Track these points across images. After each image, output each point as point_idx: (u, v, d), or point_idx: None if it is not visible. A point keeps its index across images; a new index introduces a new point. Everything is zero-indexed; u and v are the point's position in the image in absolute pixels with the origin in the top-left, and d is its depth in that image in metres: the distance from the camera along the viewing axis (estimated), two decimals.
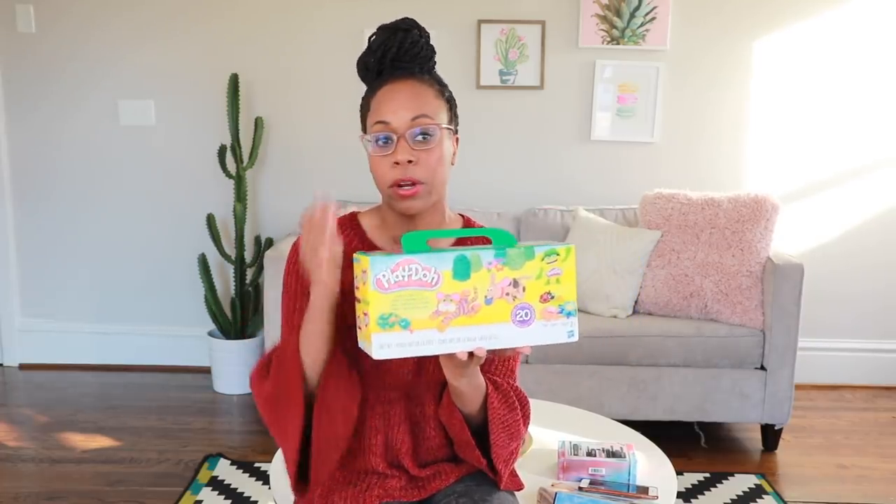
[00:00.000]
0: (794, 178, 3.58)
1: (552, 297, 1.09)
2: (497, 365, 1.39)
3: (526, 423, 1.37)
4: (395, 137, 1.27)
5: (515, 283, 1.08)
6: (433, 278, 1.05)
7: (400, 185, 1.26)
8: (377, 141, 1.28)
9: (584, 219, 3.26)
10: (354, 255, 1.11)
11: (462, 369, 1.19)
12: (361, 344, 1.12)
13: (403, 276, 1.04)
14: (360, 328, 1.12)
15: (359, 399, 1.29)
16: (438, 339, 1.06)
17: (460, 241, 1.39)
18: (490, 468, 1.36)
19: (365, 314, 1.07)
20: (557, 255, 1.09)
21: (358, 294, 1.10)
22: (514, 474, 1.44)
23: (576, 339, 1.11)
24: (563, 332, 1.11)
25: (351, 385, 1.27)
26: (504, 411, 1.33)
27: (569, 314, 1.10)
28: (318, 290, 1.20)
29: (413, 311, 1.05)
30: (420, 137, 1.27)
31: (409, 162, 1.26)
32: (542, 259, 1.08)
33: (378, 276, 1.03)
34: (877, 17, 3.46)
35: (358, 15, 3.48)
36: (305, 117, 3.59)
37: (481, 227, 1.43)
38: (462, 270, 1.05)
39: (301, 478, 1.32)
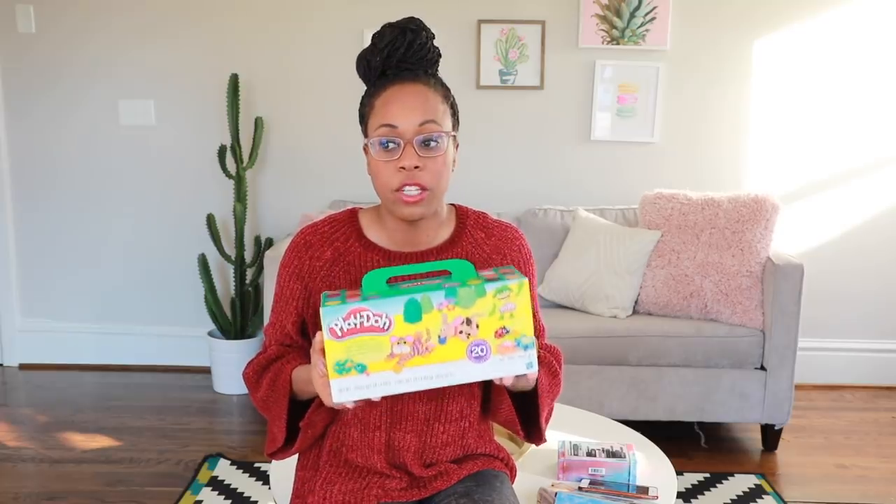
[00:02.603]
0: (794, 178, 3.58)
1: (507, 332, 1.10)
2: None
3: (562, 373, 1.42)
4: (401, 142, 1.25)
5: (468, 322, 1.09)
6: (385, 323, 1.07)
7: (405, 190, 1.25)
8: (382, 144, 1.26)
9: (584, 219, 3.26)
10: (321, 296, 1.14)
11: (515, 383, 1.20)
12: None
13: (356, 324, 1.07)
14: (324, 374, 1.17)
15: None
16: (395, 379, 1.09)
17: (455, 239, 1.39)
18: (528, 431, 1.40)
19: (322, 360, 1.11)
20: (510, 290, 1.09)
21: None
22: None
23: (535, 370, 1.12)
24: (521, 364, 1.11)
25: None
26: (548, 381, 1.36)
27: (525, 347, 1.11)
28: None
29: (368, 356, 1.07)
30: (427, 144, 1.26)
31: (416, 168, 1.25)
32: (494, 296, 1.09)
33: (331, 326, 1.06)
34: (877, 18, 3.46)
35: (358, 15, 3.48)
36: (305, 117, 3.59)
37: (474, 215, 1.44)
38: (413, 313, 1.07)
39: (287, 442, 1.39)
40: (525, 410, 1.38)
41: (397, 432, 1.36)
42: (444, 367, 1.09)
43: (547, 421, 1.40)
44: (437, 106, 1.28)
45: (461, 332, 1.08)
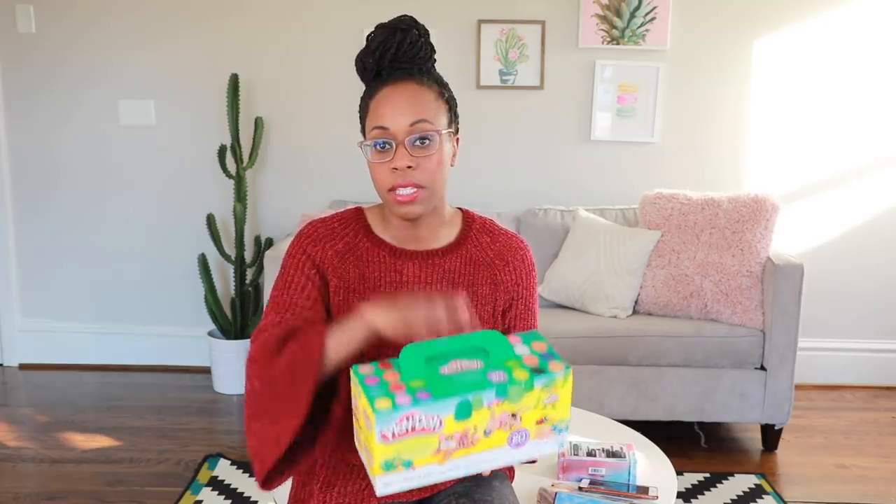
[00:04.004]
0: (794, 178, 3.58)
1: (546, 420, 1.12)
2: (516, 323, 1.43)
3: None
4: (393, 143, 1.26)
5: (514, 416, 1.10)
6: (436, 424, 1.06)
7: (398, 191, 1.26)
8: (376, 146, 1.27)
9: (584, 219, 3.26)
10: (354, 378, 1.10)
11: None
12: (359, 450, 1.13)
13: (407, 427, 1.05)
14: (358, 440, 1.13)
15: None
16: (438, 470, 1.09)
17: (461, 240, 1.39)
18: None
19: (367, 450, 1.09)
20: (556, 383, 1.10)
21: (356, 411, 1.11)
22: None
23: (564, 448, 1.17)
24: (553, 445, 1.14)
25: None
26: None
27: (560, 431, 1.13)
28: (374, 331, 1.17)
29: (416, 454, 1.07)
30: (419, 143, 1.26)
31: (409, 167, 1.26)
32: (542, 390, 1.10)
33: (383, 431, 1.04)
34: (877, 18, 3.46)
35: (358, 15, 3.48)
36: (305, 117, 3.59)
37: (481, 220, 1.44)
38: (464, 412, 1.07)
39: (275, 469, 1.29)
40: None
41: None
42: (486, 454, 1.10)
43: None
44: (429, 104, 1.28)
45: (505, 424, 1.10)
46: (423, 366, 1.09)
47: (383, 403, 1.04)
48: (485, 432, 1.08)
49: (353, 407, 1.12)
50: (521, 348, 1.15)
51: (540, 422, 1.11)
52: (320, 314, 1.33)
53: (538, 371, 1.10)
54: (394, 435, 1.04)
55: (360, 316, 1.18)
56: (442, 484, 1.37)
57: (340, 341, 1.20)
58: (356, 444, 1.16)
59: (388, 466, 1.06)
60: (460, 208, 1.46)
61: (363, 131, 1.33)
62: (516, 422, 1.10)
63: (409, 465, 1.06)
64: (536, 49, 3.50)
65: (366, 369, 1.11)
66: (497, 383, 1.07)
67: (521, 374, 1.09)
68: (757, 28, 3.49)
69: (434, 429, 1.06)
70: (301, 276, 1.34)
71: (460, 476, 1.10)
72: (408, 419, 1.04)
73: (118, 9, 3.51)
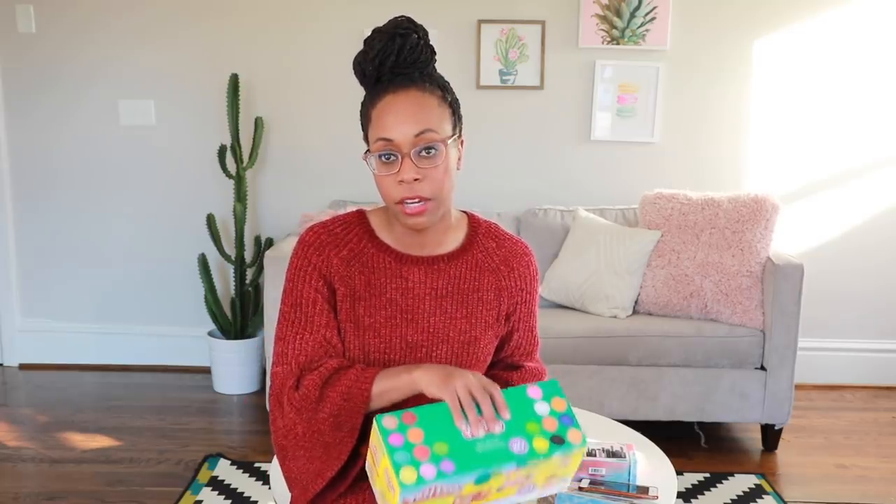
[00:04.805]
0: (794, 178, 3.58)
1: (555, 476, 1.17)
2: (516, 349, 1.45)
3: None
4: (399, 155, 1.24)
5: (528, 477, 1.14)
6: (456, 490, 1.10)
7: (406, 203, 1.25)
8: (381, 158, 1.25)
9: (584, 219, 3.26)
10: (375, 422, 1.11)
11: None
12: (373, 485, 1.15)
13: (429, 494, 1.08)
14: (372, 478, 1.15)
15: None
16: None
17: (467, 246, 1.39)
18: None
19: (384, 499, 1.12)
20: (573, 455, 1.14)
21: (374, 457, 1.13)
22: None
23: (566, 488, 1.25)
24: (557, 488, 1.21)
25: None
26: None
27: (564, 480, 1.20)
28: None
29: None
30: (425, 153, 1.24)
31: (415, 180, 1.23)
32: (558, 459, 1.14)
33: (405, 499, 1.07)
34: (877, 18, 3.46)
35: (358, 15, 3.48)
36: (305, 117, 3.59)
37: (486, 224, 1.42)
38: (483, 479, 1.10)
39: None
40: None
41: None
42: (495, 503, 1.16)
43: None
44: (432, 111, 1.25)
45: (518, 483, 1.14)
46: (448, 427, 1.11)
47: (409, 476, 1.06)
48: (498, 489, 1.13)
49: (371, 451, 1.13)
50: (541, 406, 1.16)
51: (549, 478, 1.16)
52: (336, 330, 1.32)
53: (558, 441, 1.13)
54: (415, 500, 1.07)
55: (409, 374, 1.18)
56: None
57: (386, 395, 1.22)
58: (369, 476, 1.17)
59: None
60: (465, 212, 1.44)
61: (366, 139, 1.30)
62: (528, 481, 1.14)
63: None
64: (536, 49, 3.50)
65: (389, 423, 1.10)
66: (518, 455, 1.10)
67: (541, 445, 1.12)
68: (757, 28, 3.49)
69: (453, 492, 1.10)
70: (309, 288, 1.31)
71: None
72: (431, 489, 1.07)
73: (118, 9, 3.51)
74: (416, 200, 1.25)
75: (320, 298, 1.31)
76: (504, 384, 1.40)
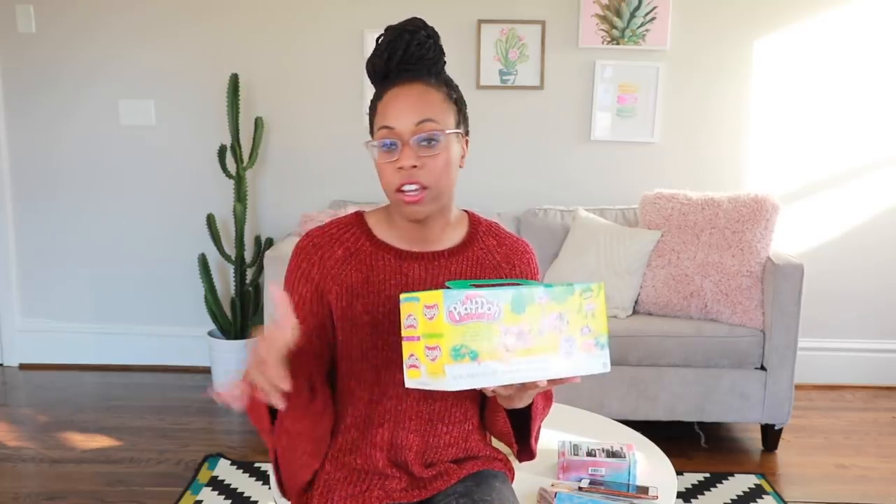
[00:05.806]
0: (794, 178, 3.58)
1: (589, 331, 1.20)
2: None
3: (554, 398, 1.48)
4: (399, 143, 1.26)
5: (561, 317, 1.17)
6: (496, 312, 1.12)
7: (404, 190, 1.26)
8: (382, 146, 1.27)
9: (584, 219, 3.26)
10: (408, 295, 1.14)
11: (525, 393, 1.23)
12: (414, 382, 1.16)
13: (471, 309, 1.10)
14: (413, 366, 1.15)
15: (325, 441, 1.36)
16: (502, 370, 1.13)
17: (467, 243, 1.41)
18: (519, 447, 1.45)
19: (432, 348, 1.12)
20: (591, 291, 1.20)
21: (416, 332, 1.14)
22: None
23: (608, 370, 1.23)
24: (598, 363, 1.21)
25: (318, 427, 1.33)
26: (542, 404, 1.40)
27: (602, 346, 1.21)
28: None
29: (480, 343, 1.11)
30: (425, 142, 1.26)
31: (414, 167, 1.25)
32: (580, 294, 1.19)
33: (450, 310, 1.09)
34: (877, 18, 3.46)
35: (358, 15, 3.48)
36: (305, 117, 3.59)
37: (487, 223, 1.45)
38: (518, 304, 1.13)
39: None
40: (516, 427, 1.43)
41: (401, 431, 1.37)
42: (541, 359, 1.16)
43: (536, 440, 1.44)
44: (436, 104, 1.28)
45: (555, 328, 1.16)
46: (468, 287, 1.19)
47: (446, 290, 1.11)
48: (539, 332, 1.15)
49: (408, 331, 1.15)
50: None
51: (584, 332, 1.19)
52: (316, 345, 1.35)
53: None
54: (460, 316, 1.09)
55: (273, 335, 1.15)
56: (442, 483, 1.37)
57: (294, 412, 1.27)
58: (407, 379, 1.17)
59: (457, 354, 1.10)
60: (465, 210, 1.46)
61: (372, 133, 1.32)
62: (564, 325, 1.17)
63: (475, 356, 1.11)
64: (536, 49, 3.50)
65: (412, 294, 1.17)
66: (543, 283, 1.18)
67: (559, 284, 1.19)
68: (757, 28, 3.49)
69: (495, 315, 1.12)
70: (294, 293, 1.36)
71: (519, 381, 1.14)
72: (471, 301, 1.10)
73: (118, 8, 3.51)
74: (415, 188, 1.26)
75: (303, 304, 1.35)
76: None
